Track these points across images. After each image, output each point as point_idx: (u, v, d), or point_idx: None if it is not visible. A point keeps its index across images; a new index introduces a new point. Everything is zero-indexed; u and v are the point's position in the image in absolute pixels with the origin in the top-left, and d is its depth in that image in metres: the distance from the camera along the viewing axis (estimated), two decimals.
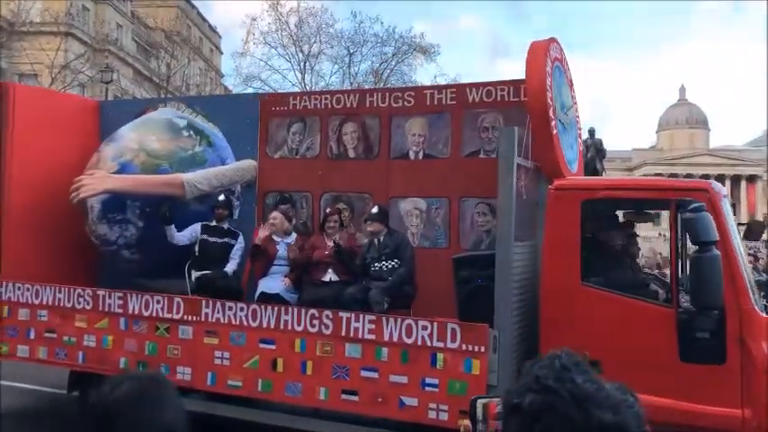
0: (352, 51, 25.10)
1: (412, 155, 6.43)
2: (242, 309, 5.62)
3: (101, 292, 6.25)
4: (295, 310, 5.42)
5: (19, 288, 6.61)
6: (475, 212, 6.13)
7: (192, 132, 6.79)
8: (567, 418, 0.92)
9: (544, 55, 5.27)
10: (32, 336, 6.54)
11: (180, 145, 6.68)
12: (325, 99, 6.80)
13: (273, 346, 5.46)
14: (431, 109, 6.32)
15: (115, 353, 6.11)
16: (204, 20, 40.83)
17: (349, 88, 6.14)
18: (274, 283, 6.20)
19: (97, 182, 6.38)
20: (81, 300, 6.32)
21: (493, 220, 6.07)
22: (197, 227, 6.52)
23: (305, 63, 24.69)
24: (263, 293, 6.05)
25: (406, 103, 6.44)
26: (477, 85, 6.14)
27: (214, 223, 6.63)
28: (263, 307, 5.56)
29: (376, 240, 5.90)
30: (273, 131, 7.03)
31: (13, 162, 6.87)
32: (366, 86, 21.84)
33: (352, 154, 6.70)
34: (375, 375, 5.08)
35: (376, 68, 25.14)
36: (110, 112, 7.83)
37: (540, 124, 5.11)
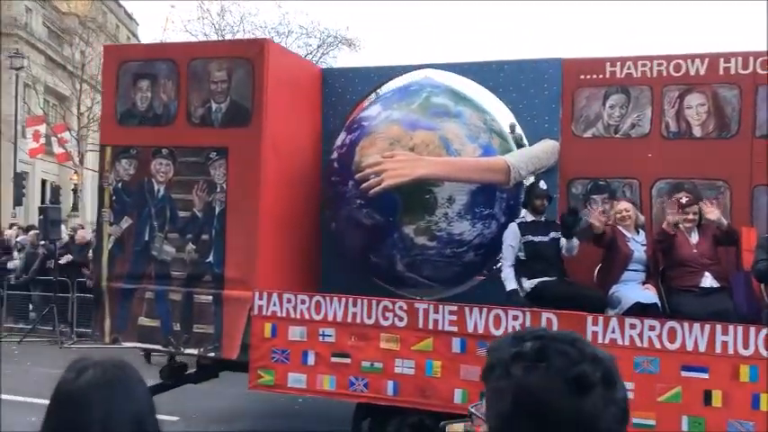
0: (276, 42, 24.44)
1: None
2: (652, 327, 4.65)
3: (420, 305, 5.20)
4: (739, 328, 4.47)
5: (289, 300, 5.49)
6: None
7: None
8: (564, 352, 1.07)
9: None
10: (312, 361, 5.43)
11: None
12: (659, 65, 5.81)
13: (705, 375, 4.51)
14: None
15: (447, 382, 5.06)
16: (120, 5, 39.53)
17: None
18: (641, 291, 5.22)
19: (406, 166, 5.27)
20: (389, 314, 5.25)
21: None
22: (515, 227, 5.49)
23: None
24: (638, 304, 5.06)
25: None
26: None
27: (531, 218, 5.60)
28: (684, 325, 4.60)
29: None
30: (582, 105, 6.02)
31: (267, 142, 5.72)
32: None
33: (698, 132, 5.74)
34: None
35: None
36: (336, 83, 6.68)
37: None
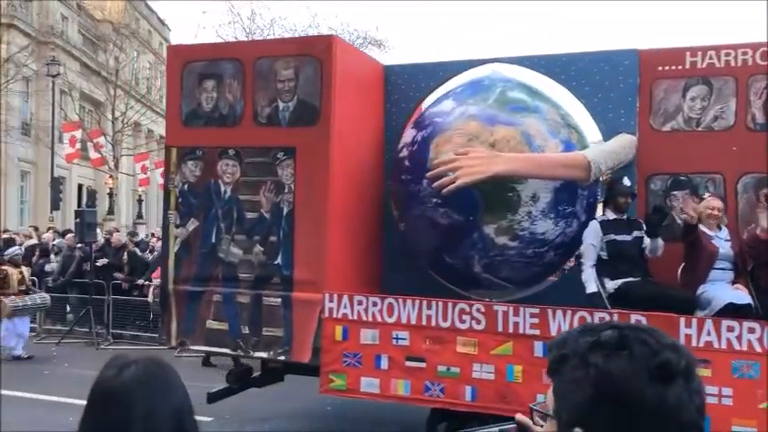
0: None
1: None
2: (751, 330, 4.47)
3: (499, 308, 5.08)
4: None
5: (360, 302, 5.41)
6: None
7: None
8: (644, 341, 1.05)
9: None
10: (385, 365, 5.35)
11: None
12: (744, 54, 5.63)
13: None
14: None
15: (529, 387, 4.93)
16: (152, 11, 40.26)
17: None
18: (732, 291, 5.04)
19: (482, 163, 5.15)
20: (466, 317, 5.14)
21: None
22: (596, 225, 5.36)
23: None
24: (731, 305, 4.88)
25: None
26: None
27: (613, 216, 5.46)
28: None
29: None
30: (661, 97, 5.85)
31: (335, 141, 5.65)
32: None
33: None
34: None
35: None
36: (398, 79, 6.59)
37: None
